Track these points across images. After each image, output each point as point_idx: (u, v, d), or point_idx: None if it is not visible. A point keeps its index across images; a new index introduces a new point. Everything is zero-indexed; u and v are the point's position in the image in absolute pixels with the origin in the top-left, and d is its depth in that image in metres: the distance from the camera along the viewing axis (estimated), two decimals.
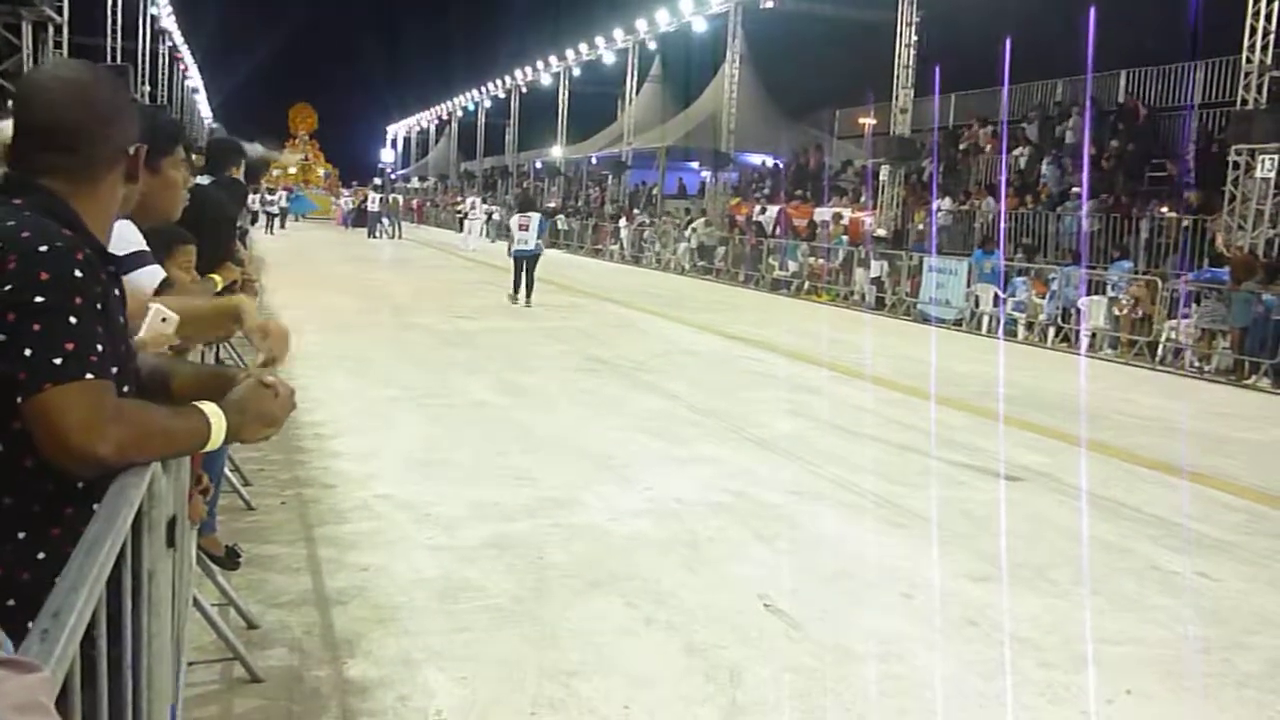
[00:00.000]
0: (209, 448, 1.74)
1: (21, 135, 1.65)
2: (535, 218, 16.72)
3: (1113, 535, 5.46)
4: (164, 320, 2.26)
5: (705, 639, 3.83)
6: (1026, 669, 3.72)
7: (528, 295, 16.09)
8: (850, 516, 5.58)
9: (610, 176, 38.75)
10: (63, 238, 1.50)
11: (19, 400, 1.45)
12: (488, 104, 54.30)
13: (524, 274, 16.10)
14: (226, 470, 4.73)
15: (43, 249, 1.47)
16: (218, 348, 7.42)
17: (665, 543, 4.95)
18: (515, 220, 17.00)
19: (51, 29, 18.84)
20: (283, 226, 38.25)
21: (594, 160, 41.47)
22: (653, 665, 3.60)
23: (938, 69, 21.79)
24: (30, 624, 1.32)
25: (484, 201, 41.80)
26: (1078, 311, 14.95)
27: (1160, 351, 13.40)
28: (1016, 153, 21.13)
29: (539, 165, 47.04)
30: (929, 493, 6.12)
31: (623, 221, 31.76)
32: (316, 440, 6.63)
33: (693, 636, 3.85)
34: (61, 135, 1.61)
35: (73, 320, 1.46)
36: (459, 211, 43.40)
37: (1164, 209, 17.02)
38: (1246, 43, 14.36)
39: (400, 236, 38.39)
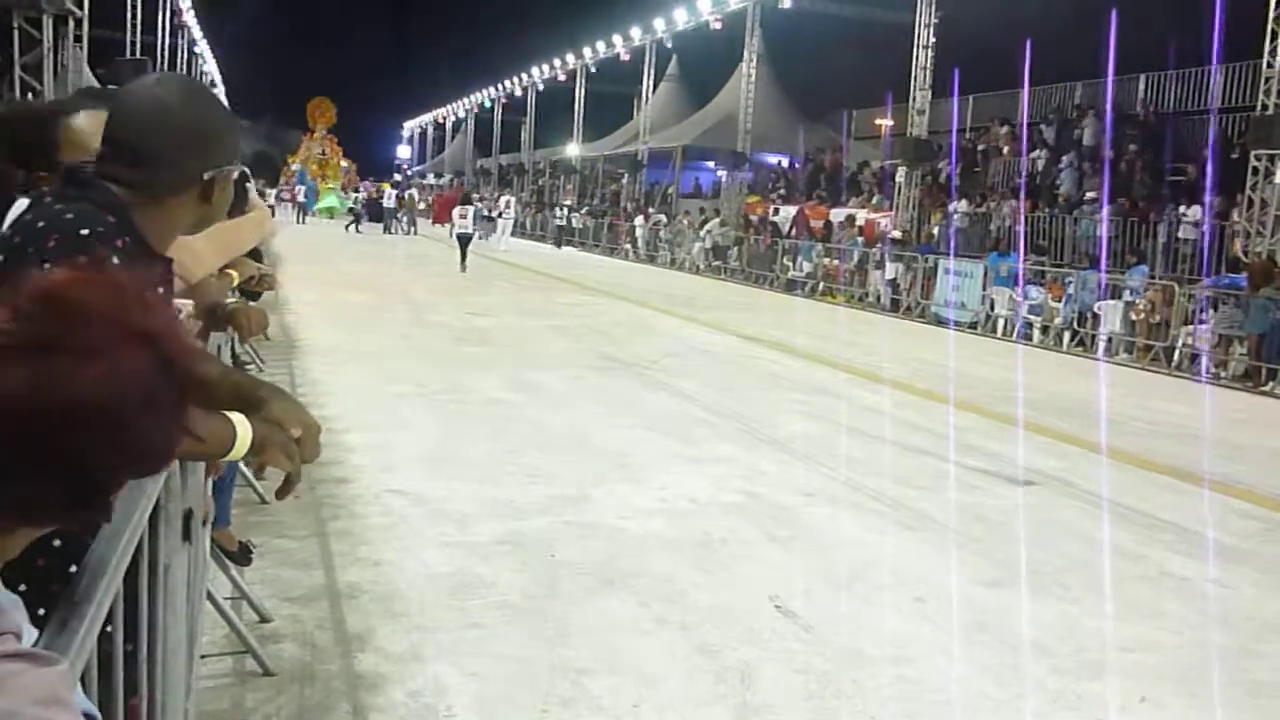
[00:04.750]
0: (230, 456, 1.74)
1: (104, 139, 1.70)
2: (471, 209, 23.63)
3: (1127, 541, 5.43)
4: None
5: (716, 639, 3.82)
6: (1039, 675, 3.71)
7: (462, 264, 21.61)
8: (863, 519, 5.57)
9: (626, 175, 38.71)
10: (105, 224, 1.53)
11: None
12: (504, 101, 54.33)
13: (464, 250, 22.03)
14: (240, 465, 4.74)
15: (84, 232, 1.50)
16: (233, 344, 7.46)
17: (677, 542, 4.95)
18: (457, 211, 23.26)
19: (72, 23, 18.94)
20: (302, 221, 38.00)
21: (609, 159, 41.44)
22: (663, 665, 3.60)
23: (956, 71, 21.70)
24: (41, 610, 1.32)
25: (517, 200, 41.10)
26: (1094, 316, 14.88)
27: (1176, 357, 13.33)
28: (1033, 155, 21.01)
29: (554, 162, 47.02)
30: (943, 496, 6.10)
31: (638, 220, 31.72)
32: (330, 435, 6.64)
33: (704, 636, 3.84)
34: (131, 152, 1.65)
35: None
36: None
37: (1182, 212, 16.89)
38: (1267, 47, 14.26)
39: (416, 233, 38.46)
